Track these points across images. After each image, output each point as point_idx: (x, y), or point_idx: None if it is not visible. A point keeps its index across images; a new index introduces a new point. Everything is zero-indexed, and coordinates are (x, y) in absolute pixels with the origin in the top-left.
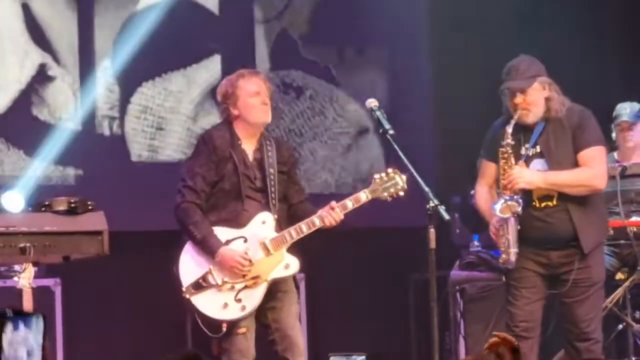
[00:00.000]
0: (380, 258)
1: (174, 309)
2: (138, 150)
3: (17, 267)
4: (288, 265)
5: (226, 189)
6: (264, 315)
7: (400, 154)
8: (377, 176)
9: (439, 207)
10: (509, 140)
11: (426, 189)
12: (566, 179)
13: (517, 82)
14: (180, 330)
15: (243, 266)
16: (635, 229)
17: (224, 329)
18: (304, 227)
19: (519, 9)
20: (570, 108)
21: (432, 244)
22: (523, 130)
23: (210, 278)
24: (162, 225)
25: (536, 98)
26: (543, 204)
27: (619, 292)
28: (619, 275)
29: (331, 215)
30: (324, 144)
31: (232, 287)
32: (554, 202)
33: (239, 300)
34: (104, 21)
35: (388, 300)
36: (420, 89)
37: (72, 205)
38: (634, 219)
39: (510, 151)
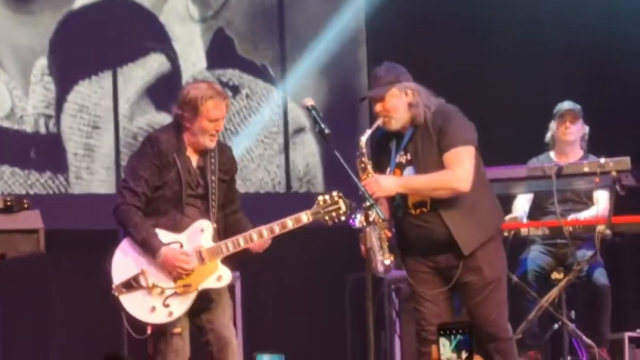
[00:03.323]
0: (316, 257)
1: (110, 308)
2: (74, 149)
3: None
4: (220, 277)
5: (167, 196)
6: (197, 317)
7: (337, 153)
8: (320, 198)
9: (375, 206)
10: (363, 150)
11: (362, 188)
12: (422, 183)
13: (373, 90)
14: (116, 330)
15: (185, 263)
16: (571, 229)
17: (149, 332)
18: (241, 241)
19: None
20: (436, 111)
21: (369, 243)
22: (396, 138)
23: (141, 279)
24: (98, 224)
25: (395, 105)
26: (418, 210)
27: (555, 291)
28: (555, 275)
29: (272, 230)
30: (260, 142)
31: (162, 292)
32: (428, 208)
33: (167, 306)
34: (40, 20)
35: (324, 300)
36: (358, 88)
37: (8, 203)
38: (570, 218)
39: (366, 161)
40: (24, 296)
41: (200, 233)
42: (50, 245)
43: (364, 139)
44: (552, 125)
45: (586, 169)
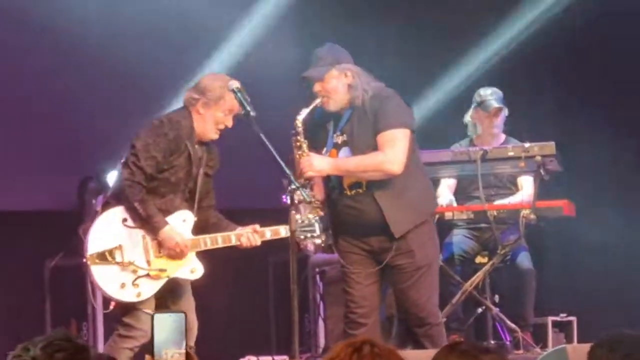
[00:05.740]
0: None
1: (33, 287)
2: None
3: None
4: (194, 269)
5: (171, 181)
6: (163, 301)
7: (262, 136)
8: (298, 217)
9: (300, 189)
10: (299, 129)
11: (287, 171)
12: (355, 164)
13: (313, 70)
14: (39, 310)
15: (185, 247)
16: (495, 213)
17: (111, 307)
18: (219, 240)
19: None
20: (374, 95)
21: (293, 226)
22: (334, 118)
23: (117, 254)
24: (16, 205)
25: (334, 85)
26: (353, 191)
27: (479, 275)
28: (479, 259)
29: (249, 238)
30: None
31: (135, 271)
32: (363, 189)
33: (136, 285)
34: None
35: (248, 282)
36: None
37: None
38: (495, 202)
39: (301, 140)
40: None
41: (182, 223)
42: None
43: (300, 117)
44: (473, 112)
45: (511, 153)
